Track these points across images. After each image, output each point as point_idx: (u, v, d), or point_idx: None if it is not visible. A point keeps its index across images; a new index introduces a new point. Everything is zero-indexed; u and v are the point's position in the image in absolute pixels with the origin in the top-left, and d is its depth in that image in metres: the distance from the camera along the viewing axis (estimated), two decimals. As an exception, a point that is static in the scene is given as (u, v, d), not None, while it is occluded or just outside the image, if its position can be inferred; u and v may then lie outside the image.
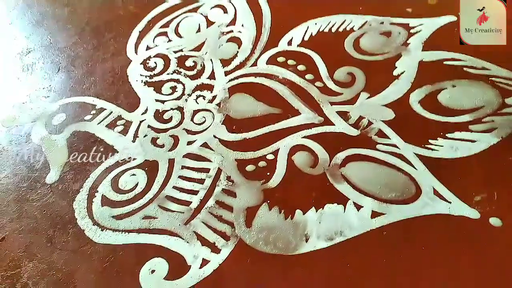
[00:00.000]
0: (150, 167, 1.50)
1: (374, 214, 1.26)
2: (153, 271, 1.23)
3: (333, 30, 1.85)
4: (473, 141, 1.38)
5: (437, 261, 1.15)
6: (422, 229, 1.21)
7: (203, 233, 1.30)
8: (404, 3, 1.90)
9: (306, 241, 1.23)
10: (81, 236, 1.36)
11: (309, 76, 1.68)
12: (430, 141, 1.40)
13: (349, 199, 1.30)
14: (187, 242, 1.28)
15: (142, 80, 1.81)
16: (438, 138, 1.40)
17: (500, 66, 1.58)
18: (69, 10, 2.31)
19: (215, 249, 1.26)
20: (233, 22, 2.01)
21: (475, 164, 1.33)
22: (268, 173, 1.41)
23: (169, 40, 1.98)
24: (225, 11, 2.07)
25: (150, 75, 1.83)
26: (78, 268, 1.28)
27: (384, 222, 1.24)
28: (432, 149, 1.38)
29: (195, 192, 1.40)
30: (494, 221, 1.19)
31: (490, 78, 1.54)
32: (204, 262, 1.23)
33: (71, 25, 2.20)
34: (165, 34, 2.02)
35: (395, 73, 1.62)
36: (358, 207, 1.28)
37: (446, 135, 1.41)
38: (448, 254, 1.16)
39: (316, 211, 1.29)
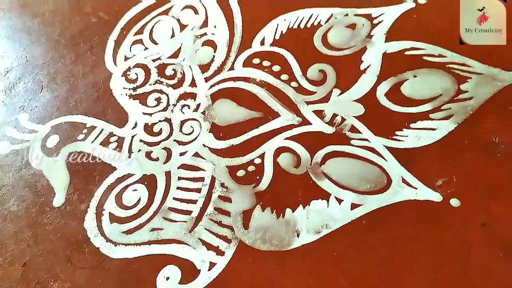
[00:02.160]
0: (149, 181, 1.64)
1: (354, 206, 1.45)
2: (168, 278, 1.41)
3: (302, 26, 1.96)
4: (433, 129, 1.56)
5: (408, 240, 1.37)
6: (394, 214, 1.42)
7: (207, 238, 1.48)
8: (366, -8, 2.01)
9: (298, 236, 1.43)
10: (97, 253, 1.51)
11: (284, 77, 1.81)
12: (396, 132, 1.58)
13: (331, 194, 1.49)
14: (194, 248, 1.46)
15: (126, 94, 1.90)
16: (403, 129, 1.58)
17: (456, 51, 1.73)
18: (38, 21, 2.31)
19: (219, 252, 1.44)
20: (205, 23, 2.08)
21: (436, 151, 1.52)
22: (257, 177, 1.57)
23: (146, 48, 2.05)
24: (196, 12, 2.13)
25: (133, 87, 1.92)
26: (100, 283, 1.45)
27: (362, 212, 1.44)
28: (399, 140, 1.56)
29: (194, 201, 1.56)
30: (454, 202, 1.41)
31: (446, 65, 1.70)
32: (212, 265, 1.42)
33: (45, 38, 2.22)
34: (140, 41, 2.08)
35: (362, 67, 1.77)
36: (339, 200, 1.47)
37: (410, 125, 1.58)
38: (417, 234, 1.38)
39: (304, 208, 1.47)
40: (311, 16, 1.97)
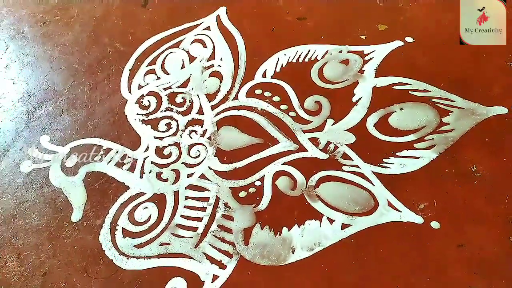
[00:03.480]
0: (159, 200, 1.81)
1: (344, 226, 1.61)
2: (175, 288, 1.56)
3: (300, 60, 2.16)
4: (417, 158, 1.73)
5: (393, 259, 1.52)
6: (380, 234, 1.58)
7: (211, 253, 1.63)
8: (358, 31, 2.22)
9: (293, 252, 1.58)
10: (110, 265, 1.67)
11: (283, 107, 1.99)
12: (384, 160, 1.75)
13: (324, 215, 1.65)
14: (199, 262, 1.62)
15: (139, 119, 2.09)
16: (390, 157, 1.75)
17: (439, 87, 1.92)
18: (59, 50, 2.52)
19: (222, 266, 1.60)
20: (212, 56, 2.29)
21: (419, 177, 1.69)
22: (257, 198, 1.74)
23: (158, 78, 2.25)
24: (204, 46, 2.34)
25: (146, 113, 2.11)
26: (113, 292, 1.60)
27: (352, 232, 1.60)
28: (386, 167, 1.73)
29: (199, 219, 1.73)
30: (434, 224, 1.57)
31: (430, 99, 1.89)
32: (215, 277, 1.57)
33: (65, 66, 2.42)
34: (153, 71, 2.28)
35: (354, 99, 1.95)
36: (331, 221, 1.63)
37: (396, 153, 1.76)
38: (400, 252, 1.53)
39: (299, 227, 1.63)
40: (309, 51, 2.17)
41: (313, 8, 2.38)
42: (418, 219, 1.58)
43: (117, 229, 1.75)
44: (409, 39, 2.12)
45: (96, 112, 2.17)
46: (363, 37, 2.18)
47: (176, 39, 2.40)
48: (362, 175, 1.72)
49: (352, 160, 1.77)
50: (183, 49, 2.35)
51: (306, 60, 2.15)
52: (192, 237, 1.68)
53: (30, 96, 2.32)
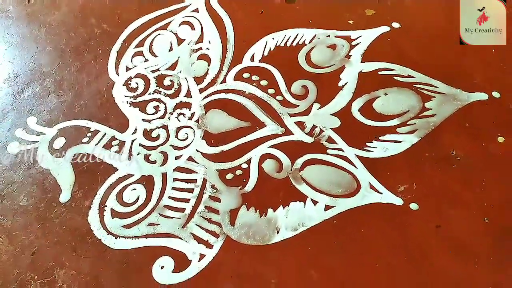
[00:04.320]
0: (147, 182, 1.84)
1: (327, 207, 1.67)
2: (162, 267, 1.61)
3: (288, 44, 2.17)
4: (399, 142, 1.78)
5: (373, 239, 1.58)
6: (362, 215, 1.64)
7: (198, 233, 1.68)
8: (346, 16, 2.23)
9: (277, 232, 1.63)
10: (99, 244, 1.70)
11: (271, 90, 2.02)
12: (367, 143, 1.80)
13: (308, 197, 1.70)
14: (186, 241, 1.66)
15: (127, 101, 2.10)
16: (373, 141, 1.80)
17: (423, 73, 1.96)
18: (45, 30, 2.49)
19: (208, 245, 1.64)
20: (201, 38, 2.29)
21: (401, 161, 1.74)
22: (244, 180, 1.78)
23: (146, 60, 2.25)
24: (193, 28, 2.33)
25: (134, 95, 2.11)
26: (102, 271, 1.64)
27: (334, 213, 1.65)
28: (369, 151, 1.78)
29: (187, 200, 1.76)
30: (413, 206, 1.63)
31: (414, 85, 1.93)
32: (201, 256, 1.62)
33: (51, 47, 2.40)
34: (141, 53, 2.27)
35: (340, 84, 1.99)
36: (315, 202, 1.68)
37: (379, 137, 1.81)
38: (381, 233, 1.59)
39: (283, 208, 1.68)
40: (297, 35, 2.19)
41: (301, -8, 2.38)
42: (398, 201, 1.64)
43: (105, 210, 1.78)
44: (395, 25, 2.15)
45: (83, 94, 2.17)
46: (350, 22, 2.20)
47: (164, 21, 2.39)
48: (346, 159, 1.77)
49: (337, 144, 1.81)
50: (171, 31, 2.34)
51: (294, 44, 2.16)
52: (179, 218, 1.72)
53: (16, 77, 2.30)
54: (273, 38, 2.20)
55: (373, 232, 1.59)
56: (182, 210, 1.74)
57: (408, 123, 1.83)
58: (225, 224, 1.67)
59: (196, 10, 2.41)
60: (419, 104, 1.87)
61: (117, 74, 2.21)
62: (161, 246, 1.66)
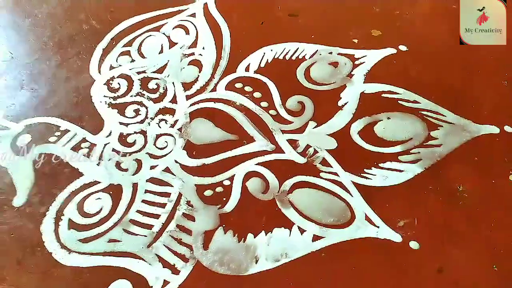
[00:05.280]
0: (114, 191, 1.62)
1: (315, 238, 1.45)
2: (118, 292, 1.37)
3: (287, 57, 2.01)
4: (401, 171, 1.59)
5: (365, 278, 1.37)
6: (354, 250, 1.43)
7: (164, 255, 1.45)
8: (351, 34, 2.09)
9: (256, 262, 1.41)
10: (49, 259, 1.47)
11: (264, 104, 1.84)
12: (365, 170, 1.60)
13: (294, 224, 1.49)
14: (150, 264, 1.43)
15: (106, 102, 1.90)
16: (372, 168, 1.61)
17: (430, 99, 1.80)
18: (30, 21, 2.33)
19: (175, 271, 1.41)
20: (194, 44, 2.12)
21: (401, 192, 1.55)
22: (224, 198, 1.57)
23: (132, 60, 2.07)
24: (187, 32, 2.18)
25: (114, 96, 1.92)
26: (47, 290, 1.39)
27: (323, 245, 1.44)
28: (367, 178, 1.58)
29: (157, 216, 1.54)
30: (413, 245, 1.42)
31: (419, 111, 1.76)
32: (165, 283, 1.39)
33: (33, 38, 2.22)
34: (128, 53, 2.10)
35: (339, 103, 1.81)
36: (302, 231, 1.47)
37: (379, 164, 1.62)
38: (374, 273, 1.38)
39: (266, 235, 1.47)
40: (297, 49, 2.04)
41: (306, 6, 2.25)
42: (397, 237, 1.44)
43: (62, 219, 1.56)
44: (402, 48, 2.00)
45: (59, 90, 1.98)
46: (355, 40, 2.06)
47: (158, 23, 2.24)
48: (340, 184, 1.57)
49: (332, 167, 1.62)
50: (163, 33, 2.18)
51: (294, 58, 2.01)
52: (146, 236, 1.49)
53: (-10, 66, 2.11)
54: (271, 50, 2.04)
55: (366, 271, 1.38)
56: (150, 227, 1.52)
57: (411, 151, 1.65)
58: (197, 247, 1.45)
59: (193, 15, 2.26)
60: (424, 132, 1.70)
61: (99, 72, 2.03)
62: (120, 267, 1.43)
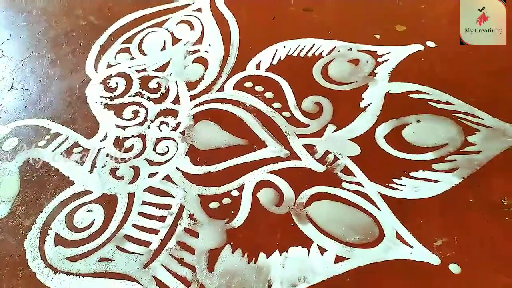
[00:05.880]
0: (108, 202, 1.43)
1: (338, 259, 1.25)
2: (108, 321, 1.17)
3: (302, 54, 1.82)
4: (435, 181, 1.39)
5: (398, 309, 1.16)
6: (384, 274, 1.22)
7: (163, 278, 1.25)
8: (372, 29, 1.89)
9: (269, 287, 1.20)
10: (32, 279, 1.28)
11: (276, 105, 1.65)
12: (394, 180, 1.40)
13: (313, 242, 1.28)
14: (146, 287, 1.23)
15: (102, 102, 1.72)
16: (401, 177, 1.40)
17: (464, 101, 1.59)
18: (24, 17, 2.16)
19: (175, 296, 1.21)
20: (200, 40, 1.94)
21: (437, 206, 1.34)
22: (232, 211, 1.37)
23: (132, 58, 1.89)
24: (192, 28, 2.00)
25: (111, 96, 1.74)
26: (27, 318, 1.20)
27: (348, 268, 1.23)
28: (396, 189, 1.38)
29: (155, 232, 1.35)
30: (454, 268, 1.21)
31: (453, 114, 1.55)
32: (163, 311, 1.18)
33: (26, 35, 2.06)
34: (127, 50, 1.92)
35: (361, 104, 1.61)
36: (322, 250, 1.26)
37: (410, 173, 1.41)
38: (408, 302, 1.16)
39: (280, 255, 1.26)
40: (313, 46, 1.84)
41: (321, 1, 2.06)
42: (434, 259, 1.22)
43: (48, 234, 1.36)
44: (430, 44, 1.80)
45: (51, 89, 1.81)
46: (377, 36, 1.86)
47: (160, 18, 2.06)
48: (365, 196, 1.36)
49: (355, 176, 1.41)
50: (166, 29, 2.00)
51: (309, 55, 1.81)
52: (142, 254, 1.29)
53: (-23, 64, 1.94)
54: (284, 47, 1.85)
55: (399, 300, 1.16)
56: (147, 244, 1.32)
57: (446, 159, 1.44)
58: (200, 269, 1.25)
59: (199, 10, 2.08)
60: (460, 137, 1.49)
61: (96, 70, 1.85)
62: (111, 291, 1.23)
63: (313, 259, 1.25)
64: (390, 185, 1.39)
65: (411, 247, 1.25)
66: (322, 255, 1.26)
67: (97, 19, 2.10)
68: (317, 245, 1.28)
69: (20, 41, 2.04)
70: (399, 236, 1.27)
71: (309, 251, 1.27)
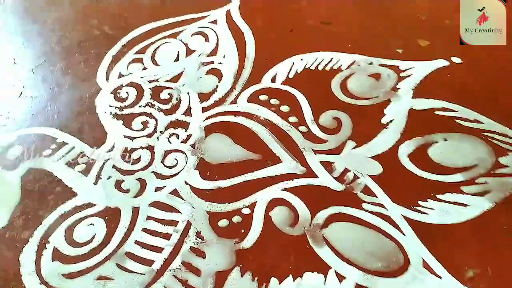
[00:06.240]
0: (111, 216, 1.34)
1: (358, 288, 1.12)
2: None
3: (320, 68, 1.74)
4: (465, 205, 1.27)
5: None
6: (409, 307, 1.09)
7: (165, 301, 1.14)
8: (394, 43, 1.81)
9: (281, 317, 1.09)
10: (25, 298, 1.18)
11: (292, 119, 1.56)
12: (419, 202, 1.28)
13: (331, 268, 1.16)
14: (146, 312, 1.12)
15: (111, 112, 1.66)
16: (428, 199, 1.29)
17: (494, 119, 1.48)
18: (38, 26, 2.14)
19: (177, 323, 1.10)
20: (214, 52, 1.88)
21: (468, 232, 1.22)
22: (242, 231, 1.27)
23: (144, 68, 1.84)
24: (207, 39, 1.94)
25: (121, 106, 1.68)
26: None
27: (369, 298, 1.10)
28: (422, 212, 1.26)
29: (159, 250, 1.25)
30: (488, 303, 1.07)
31: (483, 133, 1.44)
32: (164, 338, 1.07)
33: (39, 43, 2.03)
34: (140, 60, 1.87)
35: (383, 121, 1.52)
36: (341, 278, 1.15)
37: (437, 196, 1.29)
38: None
39: (294, 280, 1.15)
40: (332, 59, 1.77)
41: (340, 13, 2.00)
42: (466, 292, 1.09)
43: (46, 248, 1.28)
44: (456, 60, 1.71)
45: (60, 98, 1.75)
46: (399, 50, 1.78)
47: (175, 29, 2.01)
48: (388, 219, 1.25)
49: (377, 197, 1.30)
50: (181, 40, 1.95)
51: (327, 68, 1.73)
52: (143, 274, 1.20)
53: (-12, 71, 1.91)
54: (301, 59, 1.78)
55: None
56: (149, 263, 1.22)
57: (477, 181, 1.32)
58: (206, 293, 1.14)
59: (215, 22, 2.03)
60: (490, 158, 1.38)
61: (107, 80, 1.79)
62: (108, 314, 1.12)
63: (330, 287, 1.13)
64: (415, 207, 1.27)
65: (440, 277, 1.13)
66: (340, 283, 1.14)
67: (111, 29, 2.06)
68: (335, 271, 1.16)
69: (33, 49, 2.01)
70: (426, 265, 1.15)
71: (325, 277, 1.15)
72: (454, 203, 1.28)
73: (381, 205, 1.29)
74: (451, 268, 1.14)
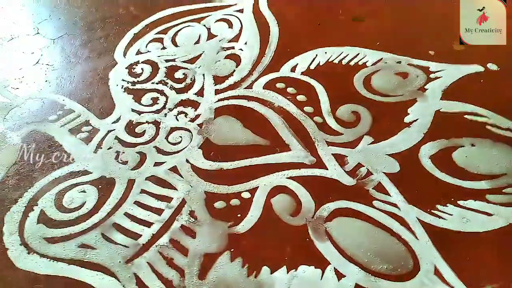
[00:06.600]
0: (104, 185, 1.27)
1: (358, 288, 1.00)
2: (73, 317, 0.98)
3: (344, 62, 1.65)
4: (489, 214, 1.13)
5: None
6: (415, 318, 0.95)
7: (145, 278, 1.06)
8: (426, 45, 1.70)
9: (268, 309, 0.97)
10: (2, 256, 1.11)
11: (308, 109, 1.47)
12: (438, 206, 1.15)
13: (330, 264, 1.05)
14: (123, 286, 1.03)
15: (122, 86, 1.61)
16: (447, 204, 1.15)
17: (529, 130, 1.34)
18: (66, 1, 2.15)
19: (154, 301, 1.00)
20: (236, 38, 1.82)
21: (489, 244, 1.08)
22: (239, 215, 1.17)
23: (163, 48, 1.79)
24: (230, 26, 1.88)
25: (133, 81, 1.63)
26: (-14, 297, 1.03)
27: (369, 301, 0.98)
28: (440, 217, 1.13)
29: (148, 224, 1.17)
30: (508, 324, 0.93)
31: (516, 143, 1.31)
32: (137, 316, 0.98)
33: (64, 17, 2.03)
34: (160, 40, 1.83)
35: (406, 120, 1.40)
36: (340, 275, 1.03)
37: (458, 201, 1.16)
38: None
39: (288, 272, 1.04)
40: (357, 55, 1.67)
41: (374, 11, 1.91)
42: (482, 310, 0.95)
43: (33, 210, 1.22)
44: (492, 66, 1.58)
45: (76, 68, 1.74)
46: (431, 52, 1.66)
47: (200, 15, 1.97)
48: (401, 220, 1.12)
49: (390, 195, 1.18)
50: (204, 25, 1.90)
51: (352, 63, 1.64)
52: (127, 247, 1.11)
53: (12, 39, 1.92)
54: (325, 52, 1.69)
55: None
56: (136, 236, 1.14)
57: (504, 190, 1.18)
58: (190, 274, 1.05)
59: (241, 11, 1.98)
60: (522, 168, 1.23)
61: (124, 56, 1.76)
62: (83, 283, 1.04)
63: (327, 284, 1.01)
64: (432, 211, 1.14)
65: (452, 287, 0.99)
66: (338, 280, 1.02)
67: (137, 9, 2.04)
68: (334, 267, 1.04)
69: (57, 22, 2.01)
70: (438, 273, 1.02)
71: (323, 273, 1.03)
72: (476, 211, 1.14)
73: (394, 205, 1.16)
74: (467, 280, 1.01)
